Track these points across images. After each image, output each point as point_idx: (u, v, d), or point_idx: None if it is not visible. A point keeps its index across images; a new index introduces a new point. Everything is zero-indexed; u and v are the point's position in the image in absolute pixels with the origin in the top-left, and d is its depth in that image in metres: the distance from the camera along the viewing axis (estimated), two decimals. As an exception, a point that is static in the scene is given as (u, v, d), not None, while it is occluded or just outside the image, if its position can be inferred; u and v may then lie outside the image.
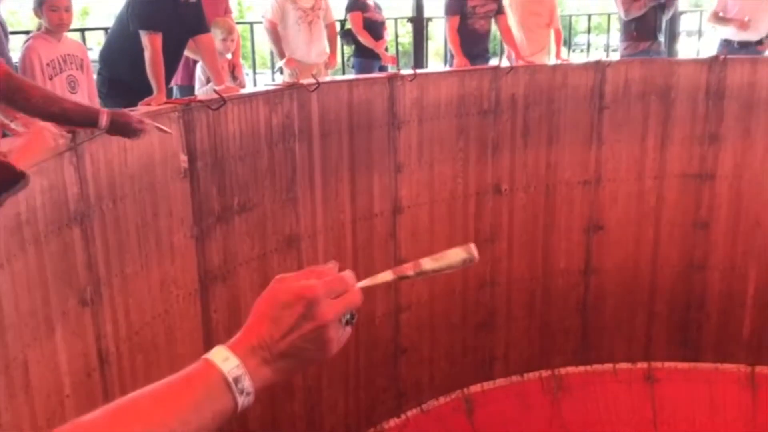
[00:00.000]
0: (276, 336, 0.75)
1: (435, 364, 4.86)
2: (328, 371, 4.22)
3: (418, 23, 6.55)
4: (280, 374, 0.77)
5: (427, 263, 0.88)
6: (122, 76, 3.89)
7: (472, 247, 0.89)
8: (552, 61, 5.53)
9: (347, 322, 0.80)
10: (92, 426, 0.66)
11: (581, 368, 5.25)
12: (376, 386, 4.58)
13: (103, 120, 2.29)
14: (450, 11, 5.37)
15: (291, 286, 0.77)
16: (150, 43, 3.58)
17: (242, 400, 0.73)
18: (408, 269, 0.87)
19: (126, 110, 2.40)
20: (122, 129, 2.36)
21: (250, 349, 0.75)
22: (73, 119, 2.32)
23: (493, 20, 5.44)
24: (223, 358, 0.73)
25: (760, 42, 5.78)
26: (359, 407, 4.50)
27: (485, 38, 5.50)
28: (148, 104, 3.20)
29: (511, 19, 5.50)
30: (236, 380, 0.73)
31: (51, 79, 3.23)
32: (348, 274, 0.81)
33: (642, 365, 5.30)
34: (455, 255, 0.89)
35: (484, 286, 4.91)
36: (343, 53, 6.04)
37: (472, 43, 5.37)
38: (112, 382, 2.69)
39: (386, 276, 0.86)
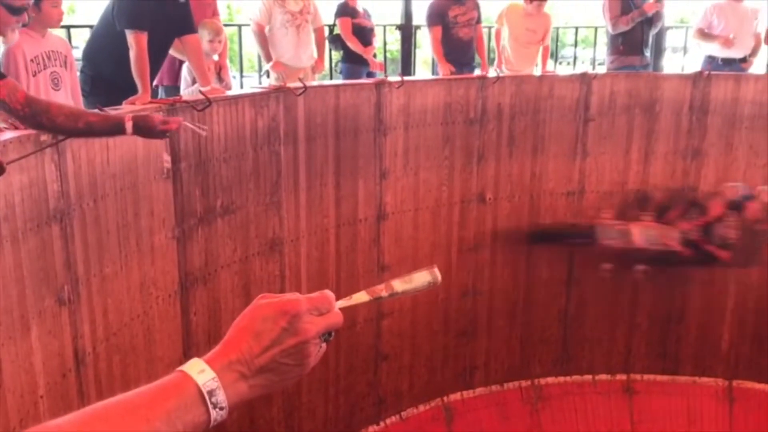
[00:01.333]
0: (256, 350, 0.75)
1: (415, 372, 4.85)
2: (308, 376, 4.18)
3: (407, 31, 6.55)
4: (256, 390, 0.76)
5: (398, 285, 0.90)
6: (106, 74, 3.85)
7: (436, 270, 0.91)
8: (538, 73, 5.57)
9: (324, 340, 0.80)
10: (62, 430, 0.65)
11: (561, 379, 5.26)
12: (356, 392, 4.56)
13: (129, 127, 2.28)
14: (432, 22, 5.41)
15: (274, 302, 0.77)
16: (135, 42, 3.54)
17: (216, 414, 0.72)
18: (381, 290, 0.88)
19: (148, 113, 2.38)
20: (147, 132, 2.34)
21: (228, 364, 0.74)
22: (99, 131, 2.32)
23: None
24: (199, 371, 0.72)
25: (743, 59, 5.85)
26: (338, 413, 4.47)
27: (470, 46, 5.53)
28: (133, 103, 3.17)
29: (505, 32, 5.54)
30: (211, 393, 0.72)
31: (35, 75, 3.19)
32: (329, 294, 0.81)
33: (621, 377, 5.32)
34: (422, 277, 0.91)
35: (467, 295, 4.90)
36: (330, 58, 6.03)
37: (458, 51, 5.40)
38: (88, 384, 2.65)
39: (362, 297, 0.87)
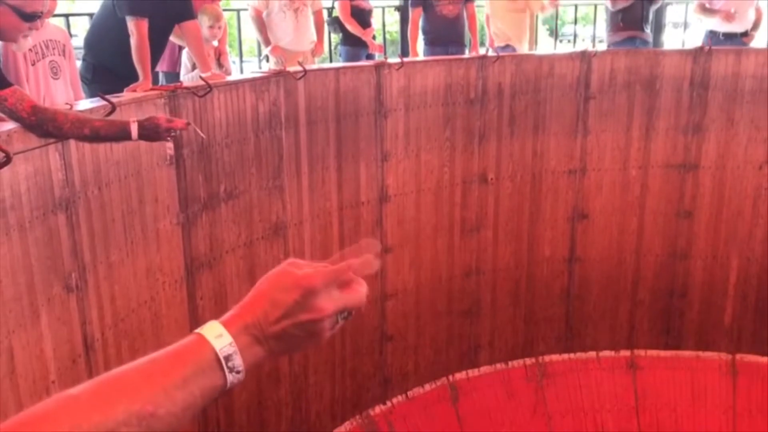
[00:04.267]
0: (271, 318, 0.75)
1: (420, 352, 4.89)
2: (314, 358, 4.24)
3: (406, 12, 6.53)
4: (272, 353, 0.76)
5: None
6: (107, 62, 3.86)
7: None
8: (525, 47, 5.56)
9: (343, 318, 0.79)
10: (78, 399, 0.66)
11: (565, 356, 5.30)
12: (362, 373, 4.61)
13: (134, 131, 2.30)
14: (413, 2, 5.40)
15: (293, 273, 0.76)
16: (136, 29, 3.55)
17: (232, 378, 0.73)
18: None
19: (153, 115, 2.39)
20: (153, 134, 2.36)
21: (244, 327, 0.74)
22: (105, 136, 2.35)
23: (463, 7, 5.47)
24: (216, 335, 0.73)
25: (745, 33, 5.82)
26: (345, 394, 4.53)
27: (456, 23, 5.50)
28: (134, 90, 3.18)
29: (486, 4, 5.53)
30: (227, 358, 0.72)
31: (33, 64, 3.20)
32: (363, 261, 0.79)
33: (625, 353, 5.36)
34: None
35: (470, 275, 4.94)
36: (330, 41, 6.02)
37: (442, 28, 5.39)
38: (98, 369, 2.69)
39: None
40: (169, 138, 2.45)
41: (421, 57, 5.37)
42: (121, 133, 2.32)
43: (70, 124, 2.30)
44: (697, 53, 4.98)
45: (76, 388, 0.67)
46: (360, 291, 0.79)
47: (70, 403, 0.66)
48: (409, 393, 4.88)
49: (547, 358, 5.28)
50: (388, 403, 4.79)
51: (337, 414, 4.50)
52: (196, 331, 0.73)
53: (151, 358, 0.71)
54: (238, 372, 0.73)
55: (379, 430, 4.67)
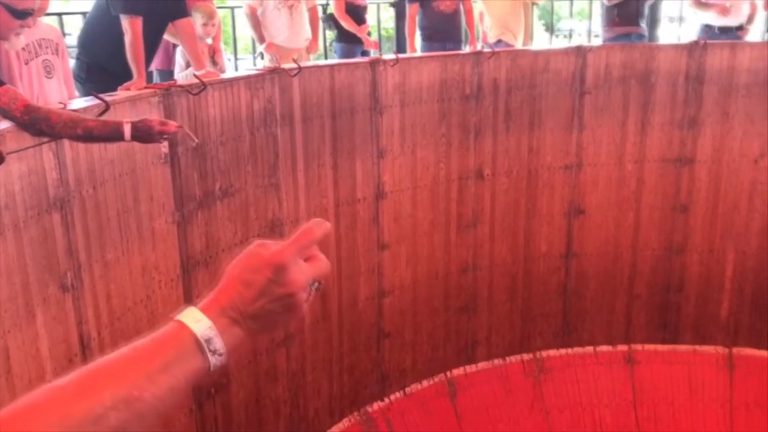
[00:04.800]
0: (246, 299, 0.77)
1: (418, 348, 4.90)
2: (312, 355, 4.24)
3: (401, 8, 6.52)
4: (252, 333, 0.79)
5: None
6: (102, 60, 3.85)
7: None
8: (520, 40, 5.56)
9: (315, 289, 0.82)
10: (65, 389, 0.67)
11: (562, 351, 5.31)
12: (359, 370, 4.61)
13: (127, 132, 2.29)
14: None
15: (261, 253, 0.79)
16: (130, 28, 3.55)
17: (215, 360, 0.75)
18: None
19: (147, 117, 2.38)
20: (146, 136, 2.35)
21: (221, 310, 0.77)
22: (98, 136, 2.34)
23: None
24: (196, 320, 0.75)
25: (740, 27, 5.83)
26: (343, 391, 4.53)
27: (453, 18, 5.50)
28: (128, 89, 3.18)
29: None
30: (208, 342, 0.74)
31: (27, 63, 3.20)
32: (312, 225, 0.82)
33: (622, 347, 5.38)
34: None
35: (467, 271, 4.94)
36: (325, 38, 6.01)
37: (439, 24, 5.39)
38: (94, 368, 2.68)
39: None
40: (161, 140, 2.44)
41: (417, 53, 5.37)
42: (113, 134, 2.31)
43: (63, 123, 2.29)
44: (692, 47, 4.98)
45: (62, 379, 0.68)
46: (324, 260, 0.82)
47: (57, 393, 0.68)
48: (406, 389, 4.89)
49: (544, 353, 5.29)
50: (386, 400, 4.80)
51: (335, 411, 4.51)
52: (176, 317, 0.75)
53: (134, 346, 0.73)
54: (220, 354, 0.75)
55: (377, 427, 4.67)
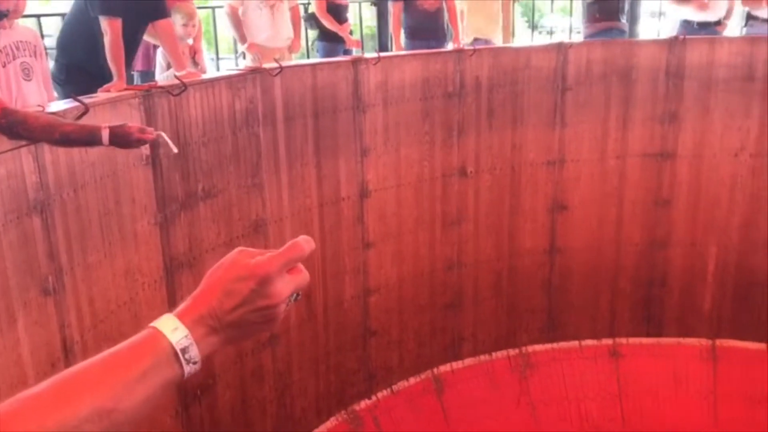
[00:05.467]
0: (226, 307, 0.77)
1: (404, 346, 4.90)
2: (298, 355, 4.24)
3: (383, 6, 6.52)
4: (226, 342, 0.79)
5: None
6: (81, 62, 3.83)
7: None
8: (498, 37, 5.57)
9: (293, 300, 0.83)
10: (38, 399, 0.67)
11: (548, 346, 5.34)
12: (346, 369, 4.61)
13: (105, 137, 2.27)
14: None
15: (246, 262, 0.78)
16: (110, 29, 3.52)
17: (189, 369, 0.75)
18: None
19: (126, 123, 2.37)
20: (124, 142, 2.34)
21: (199, 318, 0.76)
22: (76, 140, 2.33)
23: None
24: (172, 328, 0.75)
25: (718, 22, 5.88)
26: (330, 390, 4.53)
27: (437, 17, 5.52)
28: (108, 90, 3.16)
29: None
30: (184, 350, 0.74)
31: (4, 66, 3.17)
32: (300, 241, 0.81)
33: (607, 341, 5.41)
34: None
35: (452, 268, 4.95)
36: (307, 37, 6.00)
37: (423, 22, 5.40)
38: (78, 372, 2.67)
39: None
40: (140, 146, 2.43)
41: (399, 52, 5.37)
42: (91, 138, 2.30)
43: (42, 128, 2.28)
44: (671, 43, 5.02)
45: (38, 386, 0.68)
46: (304, 271, 0.82)
47: (32, 402, 0.67)
48: (393, 387, 4.90)
49: (530, 348, 5.31)
50: (373, 398, 4.80)
51: (322, 410, 4.51)
52: (152, 324, 0.75)
53: (110, 354, 0.73)
54: (194, 363, 0.75)
55: (364, 426, 4.68)
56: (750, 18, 5.89)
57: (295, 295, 0.82)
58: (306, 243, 0.81)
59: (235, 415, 3.81)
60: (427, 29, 5.47)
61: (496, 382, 5.16)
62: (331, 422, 4.56)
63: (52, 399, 0.67)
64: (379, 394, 4.83)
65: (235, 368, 3.79)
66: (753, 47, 4.95)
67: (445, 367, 5.11)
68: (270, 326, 0.81)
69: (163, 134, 2.46)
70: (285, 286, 0.79)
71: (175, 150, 2.53)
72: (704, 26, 5.85)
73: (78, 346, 2.70)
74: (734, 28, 6.02)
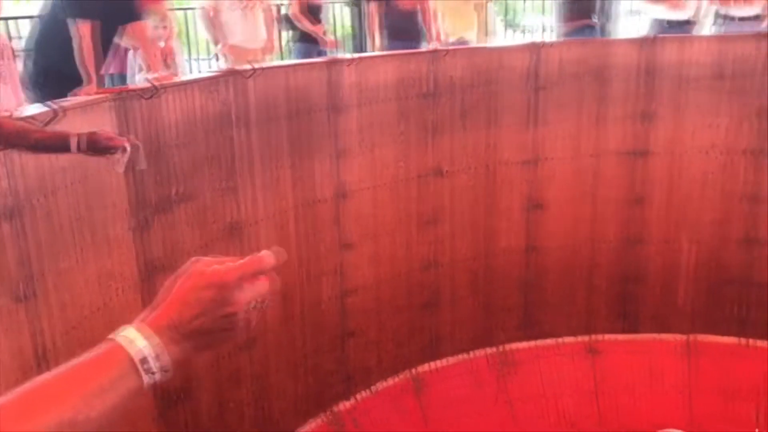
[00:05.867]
0: (186, 318, 0.78)
1: (382, 347, 4.91)
2: (276, 357, 4.23)
3: (360, 7, 6.53)
4: (188, 352, 0.80)
5: None
6: (58, 65, 3.79)
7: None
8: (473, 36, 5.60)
9: (260, 308, 0.82)
10: (5, 410, 0.67)
11: (525, 343, 5.37)
12: (324, 370, 4.61)
13: (73, 145, 2.26)
14: None
15: (204, 271, 0.79)
16: (80, 32, 3.50)
17: (148, 379, 0.76)
18: None
19: (95, 131, 2.35)
20: (93, 148, 2.32)
21: (158, 329, 0.78)
22: (48, 147, 2.32)
23: None
24: (130, 340, 0.76)
25: (688, 21, 5.96)
26: (308, 392, 4.53)
27: (414, 16, 5.54)
28: (78, 95, 3.13)
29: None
30: (143, 361, 0.75)
31: (-26, 70, 3.13)
32: (263, 255, 0.83)
33: (584, 338, 5.46)
34: None
35: (428, 268, 4.97)
36: (281, 38, 5.99)
37: (400, 22, 5.42)
38: (51, 379, 2.64)
39: None
40: (110, 154, 2.42)
41: (374, 52, 5.38)
42: (62, 145, 2.29)
43: (13, 134, 2.26)
44: (644, 42, 5.08)
45: (1, 398, 0.68)
46: (264, 280, 0.84)
47: None
48: (372, 387, 4.90)
49: (507, 346, 5.35)
50: (353, 399, 4.81)
51: (301, 412, 4.50)
52: (111, 337, 0.75)
53: (69, 367, 0.73)
54: (158, 372, 0.76)
55: (344, 426, 4.68)
56: (719, 17, 5.98)
57: (257, 303, 0.82)
58: (271, 255, 0.82)
59: (212, 418, 3.80)
60: (405, 29, 5.49)
61: (474, 381, 5.19)
62: (311, 424, 4.55)
63: (15, 412, 0.68)
64: (359, 395, 4.83)
65: (212, 371, 3.78)
66: (722, 46, 5.03)
67: (423, 367, 5.12)
68: (234, 334, 0.81)
69: (140, 146, 2.46)
70: (243, 295, 0.80)
71: (144, 167, 2.53)
72: (675, 25, 5.93)
73: (51, 353, 2.67)
74: (705, 26, 6.10)
